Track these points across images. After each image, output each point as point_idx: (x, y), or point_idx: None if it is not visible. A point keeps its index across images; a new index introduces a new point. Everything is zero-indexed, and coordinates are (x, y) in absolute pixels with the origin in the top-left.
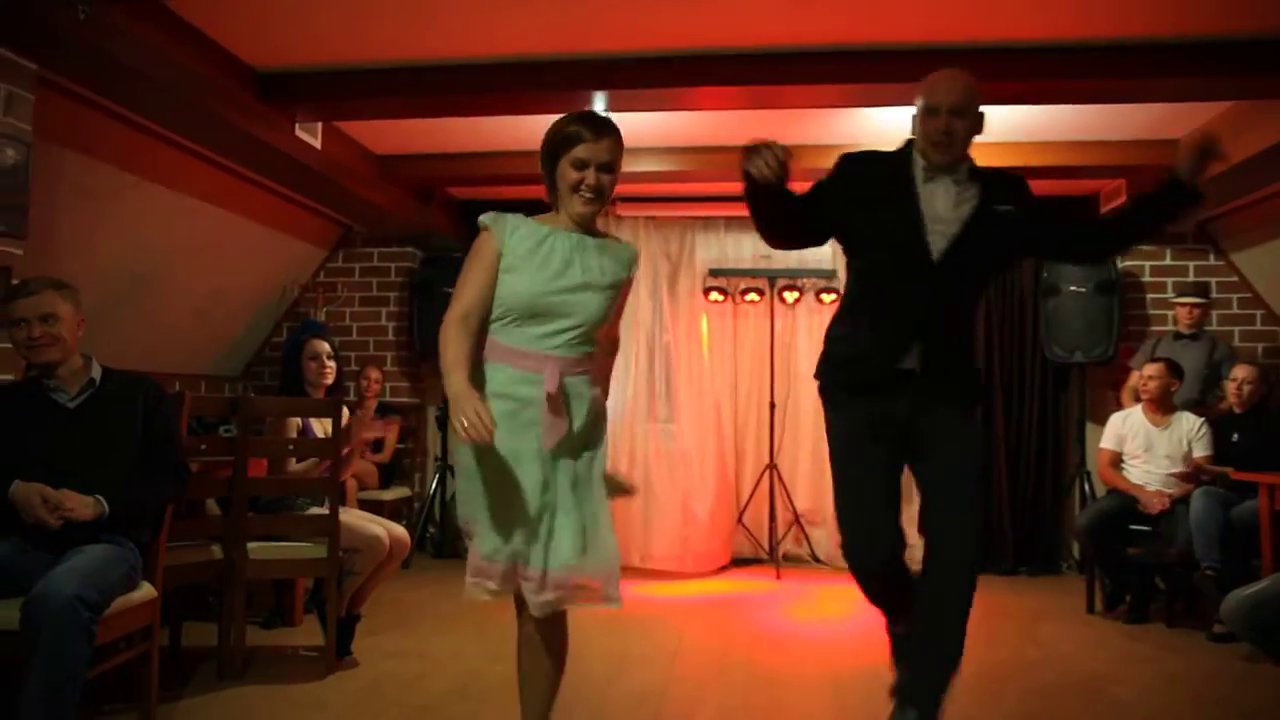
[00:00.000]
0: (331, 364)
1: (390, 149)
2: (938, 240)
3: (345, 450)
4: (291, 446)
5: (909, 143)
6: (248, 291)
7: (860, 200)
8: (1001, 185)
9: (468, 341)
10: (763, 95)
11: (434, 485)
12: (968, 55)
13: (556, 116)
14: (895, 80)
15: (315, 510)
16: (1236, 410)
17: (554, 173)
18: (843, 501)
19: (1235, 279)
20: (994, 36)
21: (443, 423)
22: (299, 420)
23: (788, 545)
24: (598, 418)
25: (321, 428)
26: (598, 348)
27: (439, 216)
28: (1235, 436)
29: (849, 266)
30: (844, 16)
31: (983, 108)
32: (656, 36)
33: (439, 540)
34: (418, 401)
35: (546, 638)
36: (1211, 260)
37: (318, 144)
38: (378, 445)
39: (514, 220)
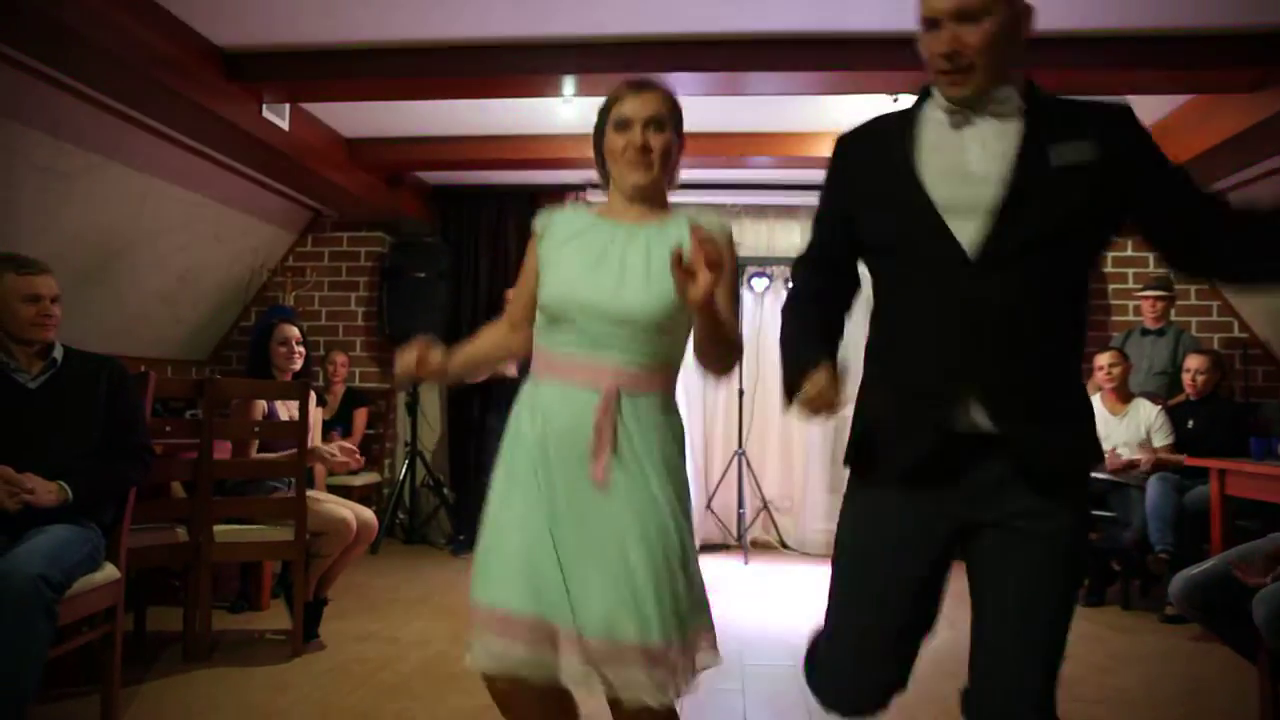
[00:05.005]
0: (300, 349)
1: (359, 132)
2: (966, 219)
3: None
4: (257, 429)
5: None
6: (216, 275)
7: (861, 194)
8: (1077, 117)
9: (491, 336)
10: (733, 81)
11: (404, 471)
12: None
13: (524, 99)
14: (865, 68)
15: (281, 494)
16: (1192, 398)
17: (602, 149)
18: (833, 626)
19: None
20: None
21: (412, 408)
22: (264, 403)
23: (756, 531)
24: (669, 450)
25: (287, 411)
26: (669, 359)
27: (408, 200)
28: (1190, 423)
29: (871, 281)
30: (813, 4)
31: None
32: (625, 21)
33: (408, 526)
34: (387, 386)
35: None
36: None
37: (285, 125)
38: (346, 430)
39: (561, 210)
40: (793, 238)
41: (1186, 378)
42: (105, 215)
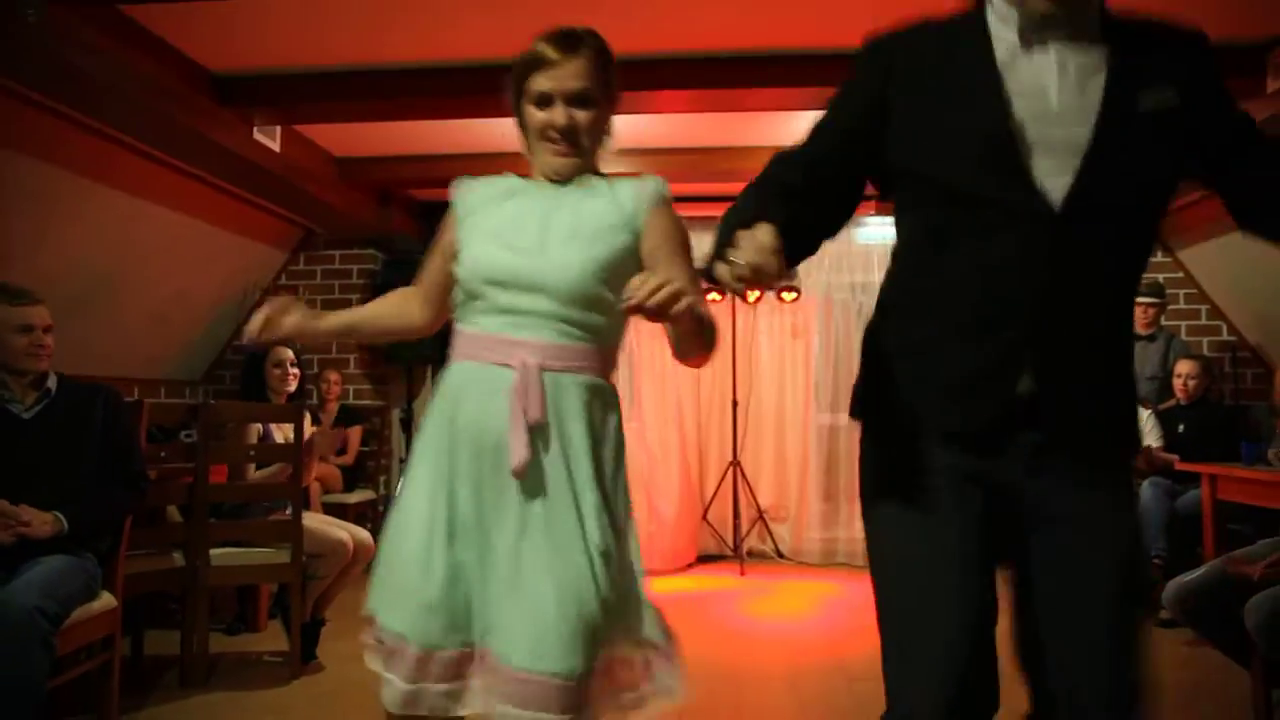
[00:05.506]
0: (295, 371)
1: (350, 151)
2: (1053, 160)
3: (305, 460)
4: (252, 452)
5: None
6: (208, 295)
7: (912, 107)
8: (1157, 48)
9: (394, 300)
10: (721, 99)
11: (399, 488)
12: None
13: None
14: None
15: (277, 516)
16: (1183, 403)
17: (521, 116)
18: (892, 627)
19: (1182, 275)
20: None
21: (407, 424)
22: (259, 426)
23: (752, 541)
24: (601, 445)
25: (282, 433)
26: (602, 339)
27: (400, 218)
28: (1181, 428)
29: (900, 220)
30: (802, 20)
31: None
32: (614, 40)
33: None
34: (381, 404)
35: None
36: (1160, 257)
37: (276, 147)
38: (341, 448)
39: (480, 180)
40: None
41: (1178, 383)
42: (96, 239)
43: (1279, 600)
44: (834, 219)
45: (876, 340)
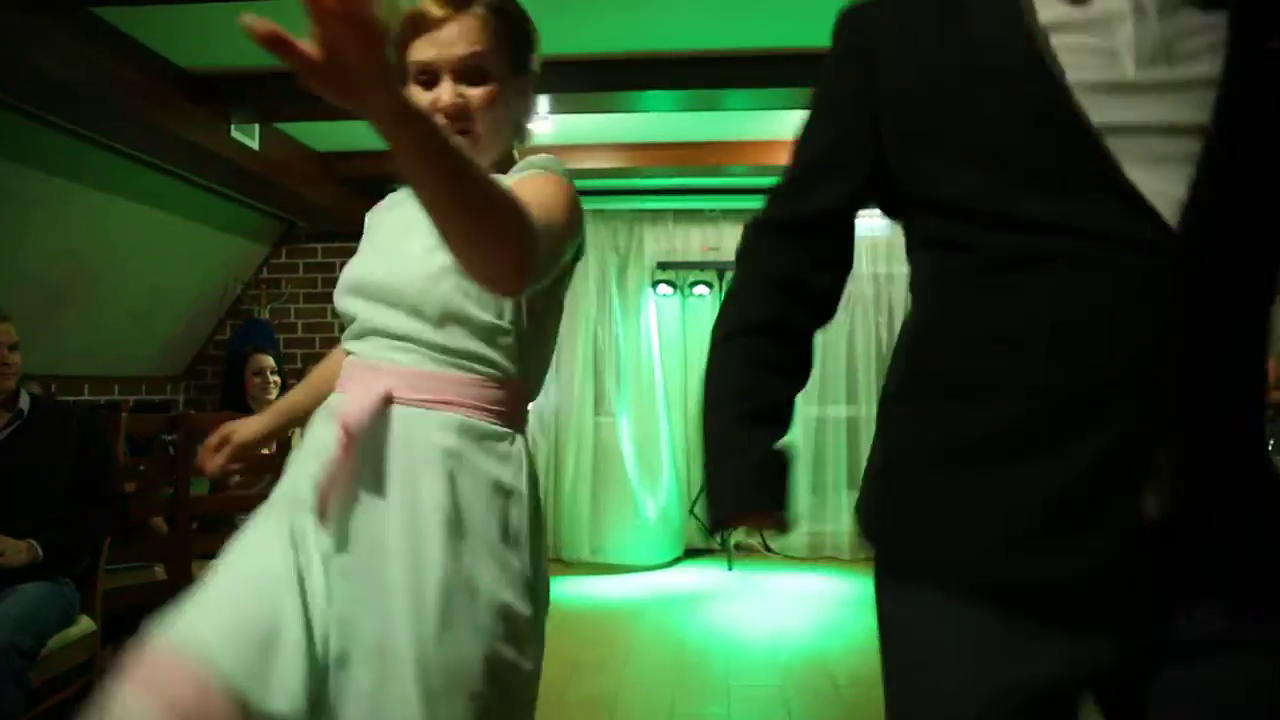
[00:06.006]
0: (275, 378)
1: (333, 145)
2: (1155, 165)
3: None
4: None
5: None
6: (189, 291)
7: (910, 112)
8: None
9: (327, 368)
10: (705, 99)
11: None
12: None
13: None
14: None
15: None
16: None
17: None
18: None
19: None
20: None
21: None
22: None
23: (739, 535)
24: (468, 502)
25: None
26: (500, 363)
27: None
28: None
29: (919, 256)
30: (785, 21)
31: None
32: (598, 40)
33: None
34: None
35: None
36: None
37: (255, 145)
38: None
39: (386, 198)
40: None
41: None
42: (73, 238)
43: None
44: (847, 271)
45: (899, 433)
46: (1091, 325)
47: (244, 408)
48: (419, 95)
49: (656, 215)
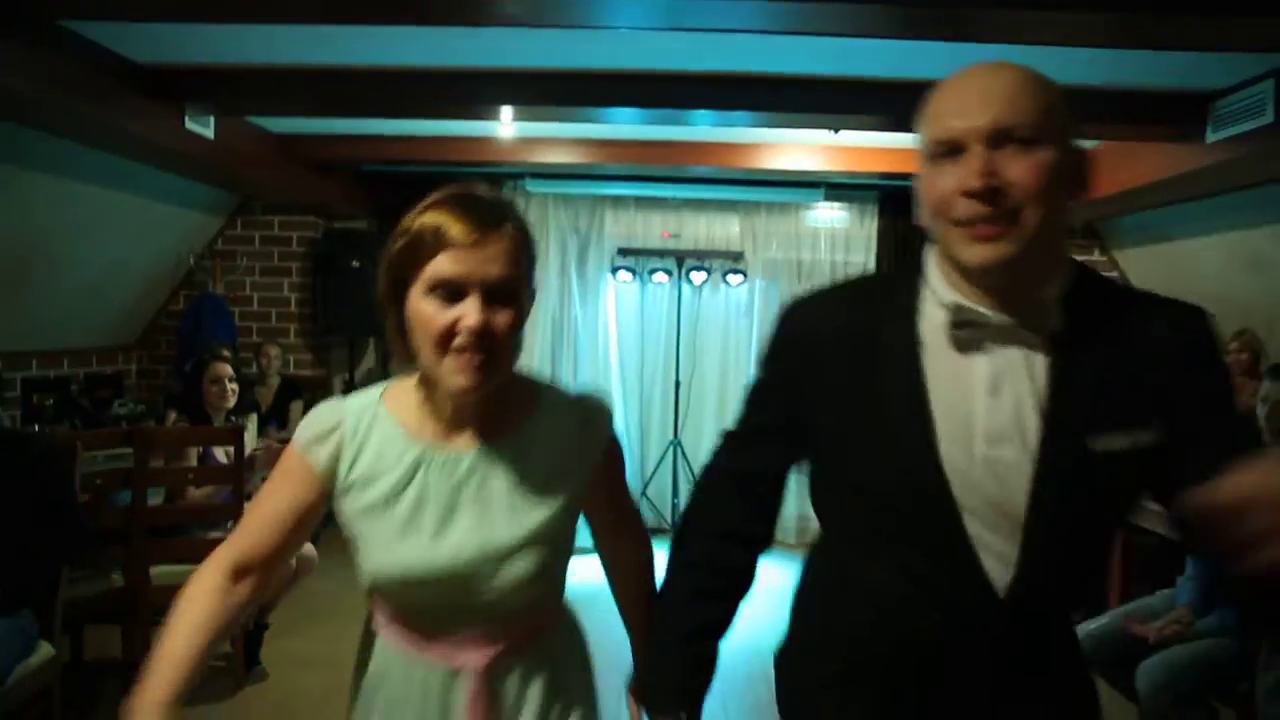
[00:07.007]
0: (234, 386)
1: (289, 128)
2: (992, 532)
3: (248, 477)
4: (191, 475)
5: (922, 264)
6: (142, 264)
7: (830, 427)
8: (1135, 346)
9: (205, 616)
10: (669, 117)
11: None
12: (884, 89)
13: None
14: (799, 109)
15: (216, 535)
16: None
17: (402, 311)
18: None
19: (1116, 275)
20: (914, 76)
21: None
22: (199, 446)
23: None
24: (573, 695)
25: (224, 451)
26: (554, 588)
27: (341, 186)
28: None
29: (823, 512)
30: (750, 47)
31: (1079, 142)
32: (566, 56)
33: None
34: (323, 373)
35: None
36: (1097, 255)
37: (211, 135)
38: (282, 423)
39: (353, 422)
40: (731, 229)
41: None
42: (24, 220)
43: (1168, 671)
44: (767, 545)
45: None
46: (940, 626)
47: (202, 411)
48: (434, 308)
49: (618, 200)
